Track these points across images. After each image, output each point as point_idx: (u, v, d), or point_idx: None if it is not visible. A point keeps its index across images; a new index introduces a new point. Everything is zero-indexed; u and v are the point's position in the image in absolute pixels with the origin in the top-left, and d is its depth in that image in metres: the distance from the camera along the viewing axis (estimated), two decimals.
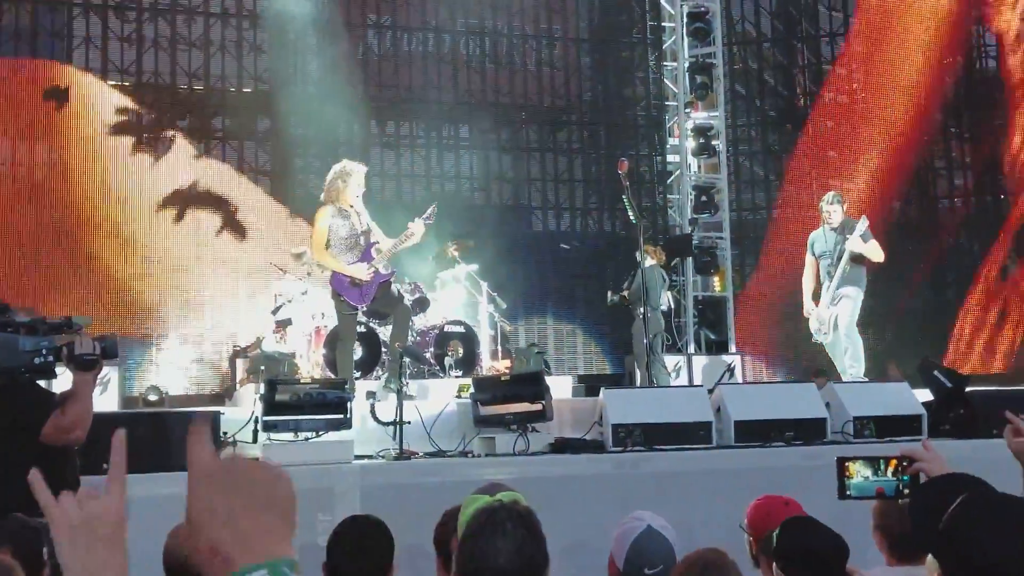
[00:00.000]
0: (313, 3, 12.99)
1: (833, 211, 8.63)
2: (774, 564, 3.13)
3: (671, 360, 10.98)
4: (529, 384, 6.38)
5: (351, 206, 7.70)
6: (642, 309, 9.12)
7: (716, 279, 13.76)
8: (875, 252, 8.54)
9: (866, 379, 8.35)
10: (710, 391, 6.71)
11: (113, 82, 12.79)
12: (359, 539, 3.28)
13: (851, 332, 8.45)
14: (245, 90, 13.34)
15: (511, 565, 2.20)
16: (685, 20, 14.08)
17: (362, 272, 7.61)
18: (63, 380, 4.00)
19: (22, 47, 12.49)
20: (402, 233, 7.79)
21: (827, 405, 6.53)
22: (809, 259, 8.87)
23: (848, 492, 2.65)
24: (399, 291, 8.89)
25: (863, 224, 8.47)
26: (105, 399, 9.25)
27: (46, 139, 12.32)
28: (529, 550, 2.24)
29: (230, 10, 13.34)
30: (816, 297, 8.74)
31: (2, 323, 3.77)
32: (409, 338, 8.26)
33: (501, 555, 2.20)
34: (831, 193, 8.95)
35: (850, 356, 8.35)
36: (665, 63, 14.63)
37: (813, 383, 7.32)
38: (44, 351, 3.73)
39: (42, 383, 4.05)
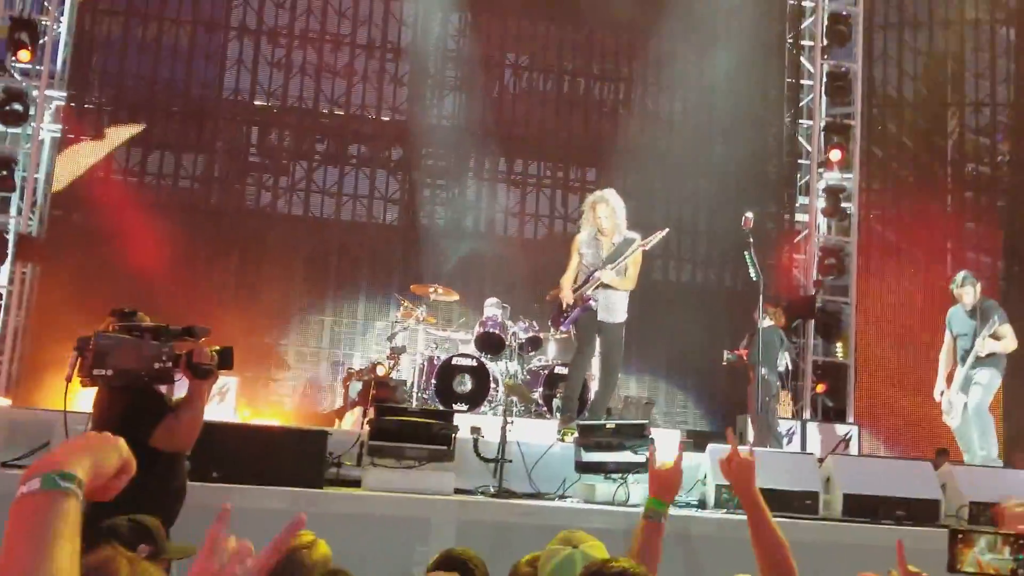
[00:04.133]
0: (455, 40, 13.31)
1: (965, 292, 8.35)
2: None
3: (785, 424, 10.66)
4: (634, 434, 6.27)
5: (602, 233, 7.66)
6: (759, 370, 8.93)
7: (839, 345, 13.33)
8: (1008, 344, 8.20)
9: (998, 463, 7.98)
10: (820, 460, 6.50)
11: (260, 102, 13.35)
12: (461, 573, 3.24)
13: (982, 413, 8.10)
14: (383, 119, 13.69)
15: None
16: (824, 79, 13.85)
17: (566, 292, 7.64)
18: (181, 387, 4.08)
19: (178, 67, 13.17)
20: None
21: (943, 487, 6.25)
22: (948, 337, 8.54)
23: (958, 566, 2.54)
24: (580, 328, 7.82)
25: (995, 318, 8.13)
26: (223, 408, 9.53)
27: None
28: None
29: (376, 42, 13.76)
30: (951, 379, 8.41)
31: (129, 327, 3.88)
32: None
33: None
34: (962, 274, 8.58)
35: (979, 438, 7.99)
36: (801, 120, 14.39)
37: (930, 462, 7.01)
38: (164, 357, 3.81)
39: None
